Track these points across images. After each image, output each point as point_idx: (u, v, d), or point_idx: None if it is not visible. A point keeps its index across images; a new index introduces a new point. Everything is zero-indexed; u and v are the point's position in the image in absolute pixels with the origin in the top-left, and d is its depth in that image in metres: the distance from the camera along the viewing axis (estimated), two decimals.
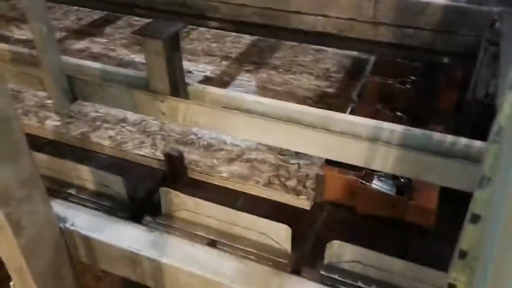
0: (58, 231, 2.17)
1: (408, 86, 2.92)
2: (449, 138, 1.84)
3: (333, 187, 2.31)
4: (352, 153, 1.96)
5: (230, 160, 2.62)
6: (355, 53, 3.67)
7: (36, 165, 1.91)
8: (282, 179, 2.49)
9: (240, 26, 4.02)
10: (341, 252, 1.94)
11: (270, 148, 2.68)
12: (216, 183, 2.55)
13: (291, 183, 2.46)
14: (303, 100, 3.13)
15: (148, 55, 2.30)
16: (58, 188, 2.45)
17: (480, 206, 0.89)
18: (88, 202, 2.39)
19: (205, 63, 3.69)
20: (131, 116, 3.01)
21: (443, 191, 2.15)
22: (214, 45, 3.95)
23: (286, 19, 3.84)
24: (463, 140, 1.83)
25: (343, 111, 2.51)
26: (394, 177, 2.23)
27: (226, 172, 2.55)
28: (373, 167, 1.95)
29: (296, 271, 2.02)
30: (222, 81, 3.44)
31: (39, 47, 2.47)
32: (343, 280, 1.94)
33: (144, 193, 2.46)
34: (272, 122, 2.12)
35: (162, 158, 2.62)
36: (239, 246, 2.11)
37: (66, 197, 2.42)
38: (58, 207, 2.30)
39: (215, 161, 2.63)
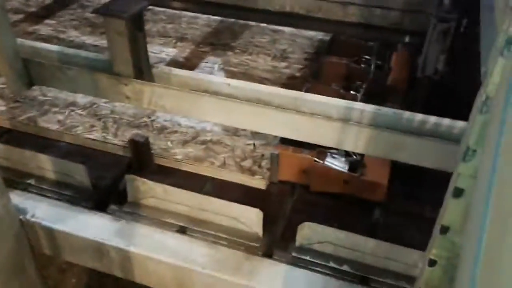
0: (18, 223, 2.08)
1: (363, 65, 2.97)
2: (419, 116, 1.84)
3: (288, 166, 2.33)
4: (324, 134, 1.94)
5: (185, 142, 2.60)
6: (311, 33, 3.66)
7: None
8: (238, 160, 2.48)
9: (205, 6, 3.91)
10: (312, 233, 1.93)
11: (226, 129, 2.67)
12: (169, 165, 2.50)
13: (246, 163, 2.46)
14: (260, 82, 3.09)
15: (110, 35, 2.19)
16: (16, 179, 2.33)
17: (464, 179, 0.86)
18: (49, 192, 2.29)
19: (160, 44, 3.58)
20: (81, 99, 2.90)
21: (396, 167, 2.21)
22: (169, 26, 3.84)
23: None
24: (432, 119, 1.83)
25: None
26: (346, 154, 2.26)
27: (180, 154, 2.51)
28: (345, 148, 1.94)
29: (268, 254, 2.00)
30: (177, 62, 3.35)
31: None
32: (315, 261, 1.94)
33: (108, 181, 2.36)
34: (241, 104, 2.07)
35: (116, 142, 2.56)
36: (209, 232, 2.07)
37: (25, 188, 2.31)
38: (17, 198, 2.21)
39: (169, 143, 2.59)
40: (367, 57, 3.01)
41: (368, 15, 3.50)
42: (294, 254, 1.96)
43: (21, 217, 2.12)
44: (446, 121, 1.82)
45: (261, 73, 3.23)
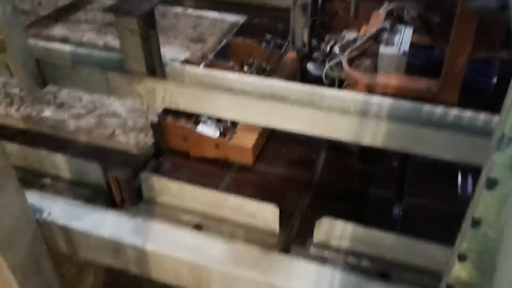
0: (34, 223, 2.07)
1: (263, 44, 3.28)
2: (439, 109, 1.80)
3: (169, 134, 2.50)
4: (341, 128, 1.91)
5: (80, 116, 2.80)
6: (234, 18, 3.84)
7: (7, 155, 1.80)
8: (127, 130, 2.67)
9: (217, 4, 3.93)
10: (330, 228, 1.91)
11: (123, 104, 2.87)
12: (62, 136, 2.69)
13: (134, 133, 2.65)
14: None
15: (122, 34, 2.18)
16: (32, 179, 2.33)
17: (499, 169, 0.82)
18: (65, 191, 2.29)
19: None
20: None
21: None
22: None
23: None
24: (453, 111, 1.79)
25: None
26: (218, 121, 2.48)
27: (73, 126, 2.72)
28: (364, 143, 1.91)
29: (286, 250, 1.98)
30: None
31: (3, 29, 2.31)
32: (333, 257, 1.91)
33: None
34: (256, 100, 2.04)
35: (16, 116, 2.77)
36: (226, 229, 2.05)
37: (41, 187, 2.31)
38: (33, 198, 2.20)
39: (66, 116, 2.80)
40: (269, 37, 3.27)
41: None
42: (312, 249, 1.94)
43: (37, 216, 2.12)
44: (467, 113, 1.78)
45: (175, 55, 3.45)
